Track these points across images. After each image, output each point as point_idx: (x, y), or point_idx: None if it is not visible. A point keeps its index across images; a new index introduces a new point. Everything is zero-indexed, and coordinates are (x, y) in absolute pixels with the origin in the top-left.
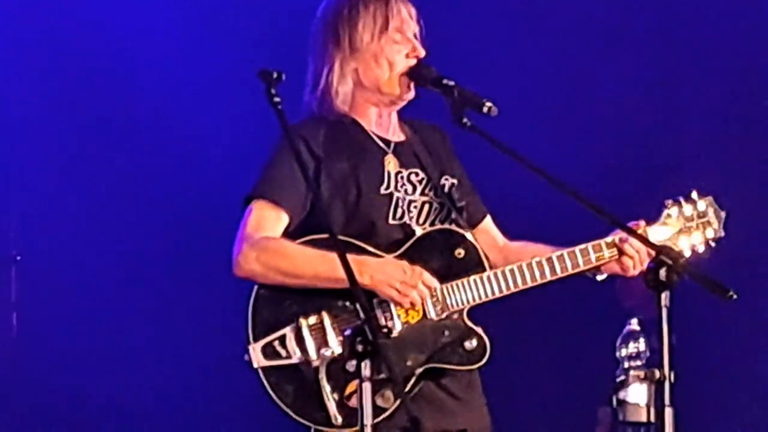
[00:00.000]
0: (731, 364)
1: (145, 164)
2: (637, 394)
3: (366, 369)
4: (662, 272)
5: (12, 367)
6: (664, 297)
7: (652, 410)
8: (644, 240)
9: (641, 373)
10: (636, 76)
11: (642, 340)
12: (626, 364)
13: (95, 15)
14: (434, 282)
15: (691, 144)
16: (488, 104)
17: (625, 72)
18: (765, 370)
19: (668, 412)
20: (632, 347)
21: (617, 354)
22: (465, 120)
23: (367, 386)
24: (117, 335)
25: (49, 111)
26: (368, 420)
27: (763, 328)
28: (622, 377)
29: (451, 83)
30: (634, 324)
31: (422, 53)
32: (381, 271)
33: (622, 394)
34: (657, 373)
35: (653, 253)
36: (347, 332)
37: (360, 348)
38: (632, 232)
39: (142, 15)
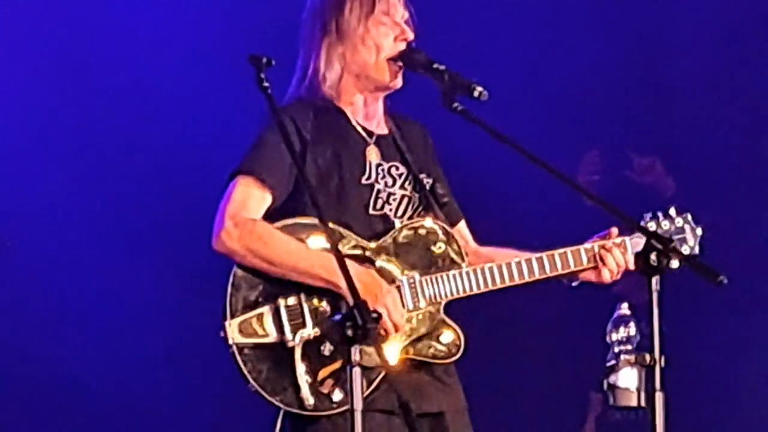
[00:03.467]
0: (722, 349)
1: (137, 155)
2: (627, 378)
3: (356, 354)
4: (653, 257)
5: None
6: (655, 282)
7: (643, 395)
8: (638, 226)
9: (632, 358)
10: (627, 69)
11: (632, 324)
12: (617, 349)
13: (84, 8)
14: (400, 322)
15: (683, 136)
16: (479, 88)
17: (615, 62)
18: (755, 355)
19: (659, 397)
20: (623, 332)
21: (607, 338)
22: (456, 104)
23: (357, 371)
24: (105, 323)
25: (37, 103)
26: (358, 405)
27: (754, 312)
28: (613, 362)
29: (442, 67)
30: (624, 308)
31: (410, 36)
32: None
33: (612, 379)
34: (648, 358)
35: (631, 264)
36: (337, 317)
37: (350, 333)
38: (630, 220)
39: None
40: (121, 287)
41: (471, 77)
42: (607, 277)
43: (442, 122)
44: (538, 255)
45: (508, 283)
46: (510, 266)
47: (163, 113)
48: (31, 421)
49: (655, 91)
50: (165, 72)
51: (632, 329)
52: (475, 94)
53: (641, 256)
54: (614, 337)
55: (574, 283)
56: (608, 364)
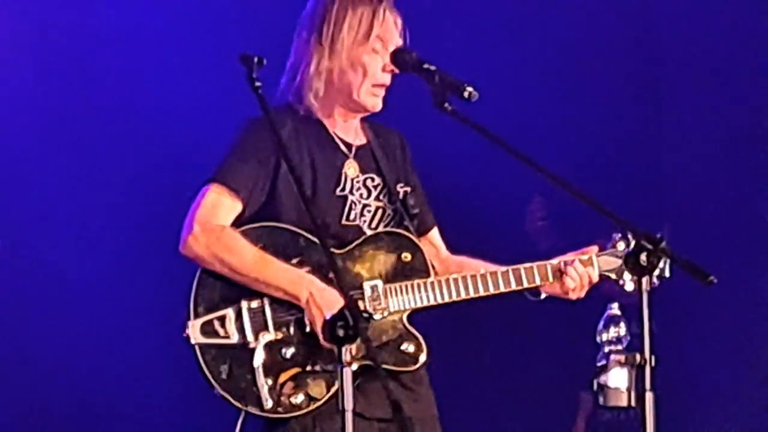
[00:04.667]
0: (713, 351)
1: (133, 156)
2: (617, 378)
3: (347, 354)
4: (642, 257)
5: None
6: (645, 282)
7: (633, 394)
8: (625, 224)
9: (622, 358)
10: (619, 73)
11: (623, 324)
12: (607, 349)
13: (81, 9)
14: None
15: (673, 141)
16: (469, 89)
17: (606, 66)
18: (745, 356)
19: (649, 397)
20: (613, 332)
21: (598, 338)
22: (446, 105)
23: (347, 371)
24: (98, 323)
25: (34, 103)
26: (348, 405)
27: (745, 312)
28: (603, 362)
29: (433, 68)
30: (615, 309)
31: (397, 70)
32: (320, 296)
33: (602, 379)
34: (638, 358)
35: (595, 280)
36: (328, 317)
37: (341, 333)
38: (618, 219)
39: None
40: (119, 288)
41: (460, 76)
42: (570, 287)
43: (423, 129)
44: (504, 269)
45: (472, 294)
46: (475, 278)
47: (158, 112)
48: (30, 422)
49: (645, 89)
50: (159, 72)
51: (622, 329)
52: (465, 94)
53: (631, 257)
54: (604, 337)
55: (542, 296)
56: (598, 364)
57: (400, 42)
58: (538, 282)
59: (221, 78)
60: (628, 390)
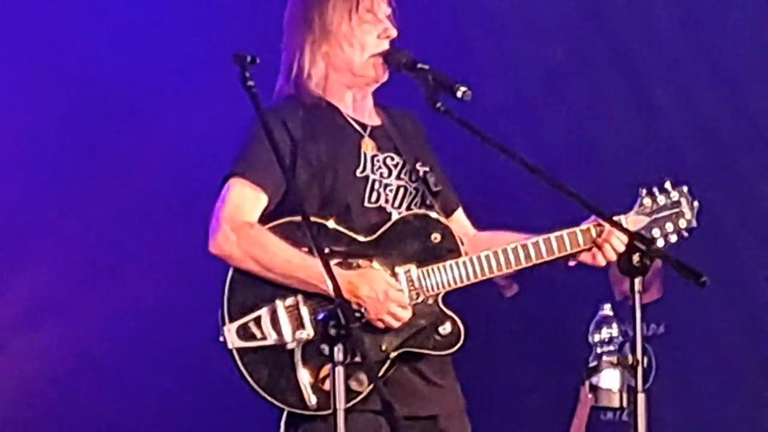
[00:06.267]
0: (707, 353)
1: (123, 155)
2: (609, 379)
3: (339, 353)
4: (635, 258)
5: None
6: (637, 282)
7: (625, 395)
8: (617, 225)
9: (614, 359)
10: (611, 66)
11: (615, 325)
12: (599, 350)
13: (78, 10)
14: (405, 316)
15: (666, 132)
16: (462, 88)
17: (599, 61)
18: (740, 358)
19: (640, 398)
20: (605, 332)
21: (590, 339)
22: (439, 104)
23: (339, 370)
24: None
25: (24, 103)
26: (341, 404)
27: (738, 314)
28: (595, 363)
29: (426, 67)
30: (607, 309)
31: (394, 33)
32: (363, 285)
33: (594, 380)
34: (630, 359)
35: (625, 243)
36: (320, 317)
37: (333, 332)
38: (609, 220)
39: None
40: (117, 290)
41: (455, 75)
42: (601, 261)
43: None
44: (534, 239)
45: (505, 270)
46: (506, 252)
47: (153, 113)
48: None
49: (639, 94)
50: (155, 71)
51: (614, 330)
52: (459, 94)
53: (624, 257)
54: (596, 338)
55: (571, 263)
56: (590, 365)
57: (388, 10)
58: (569, 249)
59: (220, 78)
60: (620, 391)
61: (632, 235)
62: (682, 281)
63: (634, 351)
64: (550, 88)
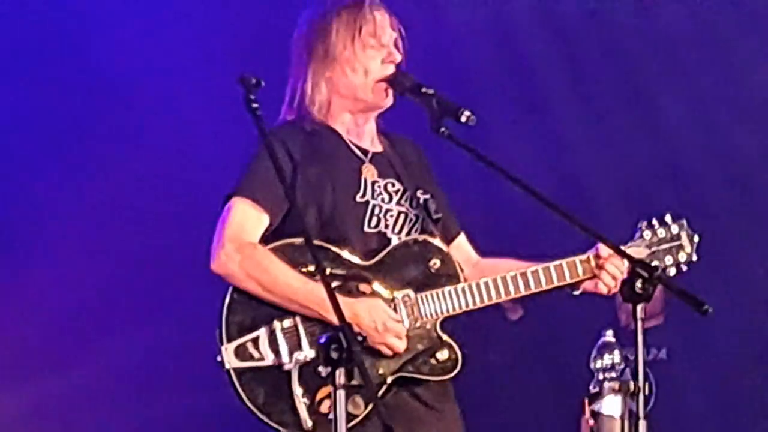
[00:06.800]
0: (709, 377)
1: (129, 164)
2: (611, 406)
3: (340, 377)
4: (638, 284)
5: None
6: (639, 309)
7: (626, 422)
8: (621, 252)
9: (615, 385)
10: (613, 86)
11: (617, 351)
12: (600, 376)
13: (80, 14)
14: (401, 347)
15: (665, 159)
16: (467, 113)
17: (601, 82)
18: (739, 383)
19: (642, 425)
20: (607, 359)
21: (591, 365)
22: (443, 129)
23: (341, 394)
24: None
25: (29, 107)
26: (342, 428)
27: (740, 340)
28: (597, 389)
29: (430, 91)
30: (609, 335)
31: (398, 58)
32: (364, 314)
33: (596, 406)
34: (631, 385)
35: (625, 273)
36: (322, 339)
37: (335, 355)
38: (612, 246)
39: (129, 16)
40: (116, 295)
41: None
42: (603, 289)
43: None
44: (533, 268)
45: (504, 297)
46: (506, 280)
47: (154, 127)
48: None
49: (642, 120)
50: (162, 88)
51: (616, 356)
52: (463, 119)
53: (626, 284)
54: (598, 364)
55: (576, 292)
56: (592, 391)
57: (394, 34)
58: (567, 279)
59: (225, 96)
60: (622, 418)
61: (635, 262)
62: (682, 305)
63: (635, 377)
64: (557, 112)
